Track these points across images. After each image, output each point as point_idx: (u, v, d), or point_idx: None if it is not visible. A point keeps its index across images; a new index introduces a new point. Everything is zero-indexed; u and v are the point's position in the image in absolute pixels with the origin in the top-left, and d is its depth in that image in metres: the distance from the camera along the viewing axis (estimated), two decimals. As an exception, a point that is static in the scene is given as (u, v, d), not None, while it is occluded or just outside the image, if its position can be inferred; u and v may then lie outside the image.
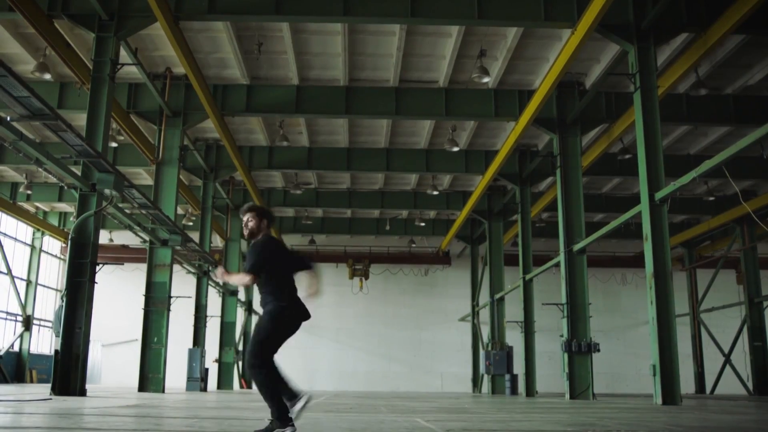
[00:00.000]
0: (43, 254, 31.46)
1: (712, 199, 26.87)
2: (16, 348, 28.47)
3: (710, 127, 21.45)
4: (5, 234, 28.65)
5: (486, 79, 17.27)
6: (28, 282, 29.95)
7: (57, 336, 13.24)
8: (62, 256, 33.15)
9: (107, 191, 13.68)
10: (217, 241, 30.89)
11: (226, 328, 27.44)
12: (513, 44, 16.77)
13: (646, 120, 14.13)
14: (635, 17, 14.47)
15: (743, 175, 23.62)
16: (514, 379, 26.10)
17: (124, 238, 31.28)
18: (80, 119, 18.14)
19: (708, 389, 29.89)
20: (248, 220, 5.57)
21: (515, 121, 19.21)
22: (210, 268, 23.66)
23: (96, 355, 32.67)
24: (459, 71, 18.35)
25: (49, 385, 14.62)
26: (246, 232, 5.59)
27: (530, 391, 22.80)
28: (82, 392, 12.96)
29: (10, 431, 5.00)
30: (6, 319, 28.48)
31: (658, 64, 15.74)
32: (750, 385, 26.90)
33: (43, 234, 30.69)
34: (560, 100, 19.12)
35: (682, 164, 20.94)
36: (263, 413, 8.23)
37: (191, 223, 29.15)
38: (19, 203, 27.72)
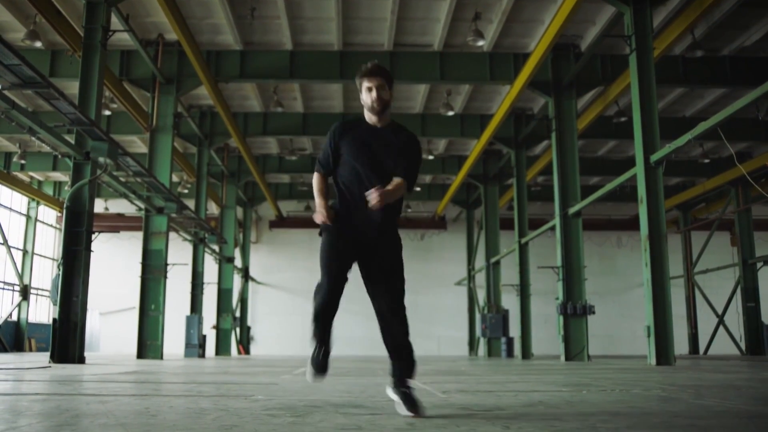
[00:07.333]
0: (38, 224, 31.43)
1: (707, 161, 26.89)
2: (15, 317, 28.59)
3: (706, 89, 21.39)
4: (0, 204, 28.60)
5: (481, 43, 17.16)
6: (25, 252, 29.96)
7: (55, 305, 13.30)
8: (58, 226, 33.15)
9: (101, 159, 13.62)
10: (213, 209, 30.88)
11: (223, 294, 27.59)
12: (508, 6, 16.62)
13: (642, 82, 14.06)
14: (631, -22, 14.32)
15: (738, 137, 23.67)
16: (510, 342, 26.36)
17: (120, 206, 31.28)
18: (72, 87, 17.99)
19: (701, 350, 30.24)
20: (380, 86, 3.96)
21: (510, 84, 19.12)
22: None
23: (94, 323, 32.84)
24: (454, 35, 18.21)
25: (47, 354, 14.72)
26: (376, 104, 3.98)
27: (526, 353, 23.04)
28: (81, 360, 13.05)
29: (11, 398, 5.05)
30: (3, 288, 28.56)
31: (654, 25, 15.61)
32: (743, 345, 27.21)
33: (38, 203, 30.64)
34: (555, 63, 19.02)
35: (677, 126, 20.92)
36: (262, 378, 8.29)
37: (186, 191, 29.16)
38: (14, 173, 27.61)
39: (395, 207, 4.09)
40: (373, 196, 3.77)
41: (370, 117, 4.09)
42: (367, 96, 4.01)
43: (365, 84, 4.01)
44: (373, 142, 4.01)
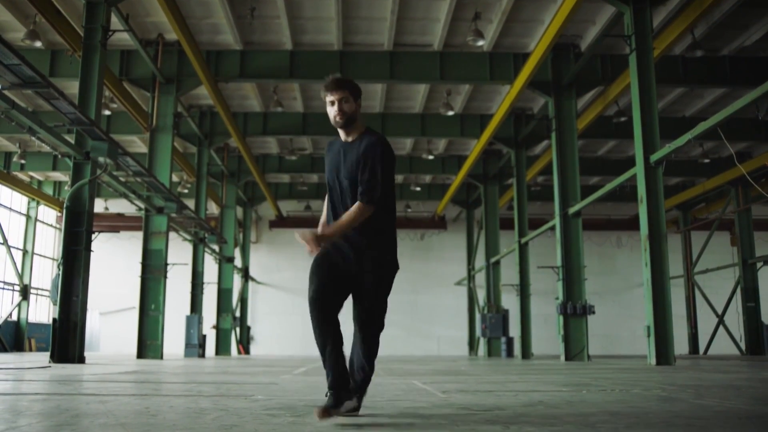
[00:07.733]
0: (38, 224, 31.42)
1: (707, 161, 26.89)
2: (15, 317, 28.58)
3: (706, 89, 21.38)
4: (0, 204, 28.60)
5: (481, 42, 17.15)
6: (25, 251, 29.96)
7: (55, 304, 13.31)
8: (58, 225, 33.14)
9: (101, 159, 13.63)
10: (213, 208, 30.89)
11: (223, 294, 27.59)
12: (508, 6, 16.61)
13: (642, 82, 14.06)
14: (631, -22, 14.31)
15: (738, 137, 23.67)
16: (510, 341, 26.36)
17: (120, 206, 31.26)
18: (72, 87, 18.00)
19: (701, 350, 30.23)
20: (342, 99, 3.80)
21: (510, 84, 19.11)
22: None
23: (94, 323, 32.83)
24: (453, 34, 18.20)
25: (47, 354, 14.71)
26: (338, 118, 3.82)
27: (526, 353, 23.03)
28: (81, 360, 13.05)
29: (11, 398, 5.05)
30: (3, 288, 28.56)
31: (654, 25, 15.61)
32: (743, 345, 27.21)
33: (38, 203, 30.64)
34: (555, 63, 19.01)
35: (677, 126, 20.93)
36: (261, 378, 8.30)
37: (186, 191, 29.16)
38: (14, 173, 27.61)
39: (373, 228, 3.85)
40: (299, 237, 3.62)
41: (340, 132, 3.97)
42: (330, 110, 3.85)
43: (328, 98, 3.84)
44: (338, 162, 3.92)
